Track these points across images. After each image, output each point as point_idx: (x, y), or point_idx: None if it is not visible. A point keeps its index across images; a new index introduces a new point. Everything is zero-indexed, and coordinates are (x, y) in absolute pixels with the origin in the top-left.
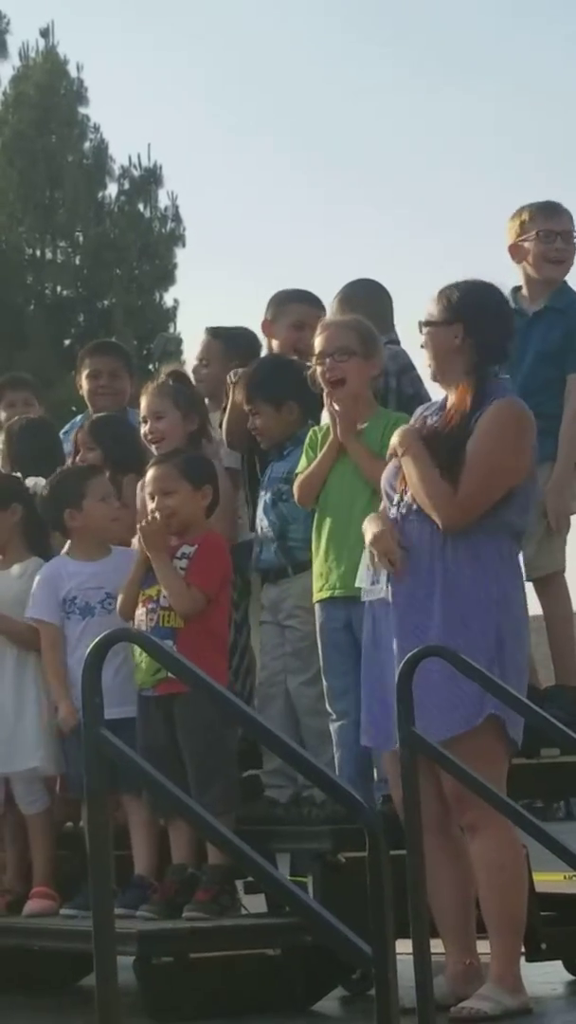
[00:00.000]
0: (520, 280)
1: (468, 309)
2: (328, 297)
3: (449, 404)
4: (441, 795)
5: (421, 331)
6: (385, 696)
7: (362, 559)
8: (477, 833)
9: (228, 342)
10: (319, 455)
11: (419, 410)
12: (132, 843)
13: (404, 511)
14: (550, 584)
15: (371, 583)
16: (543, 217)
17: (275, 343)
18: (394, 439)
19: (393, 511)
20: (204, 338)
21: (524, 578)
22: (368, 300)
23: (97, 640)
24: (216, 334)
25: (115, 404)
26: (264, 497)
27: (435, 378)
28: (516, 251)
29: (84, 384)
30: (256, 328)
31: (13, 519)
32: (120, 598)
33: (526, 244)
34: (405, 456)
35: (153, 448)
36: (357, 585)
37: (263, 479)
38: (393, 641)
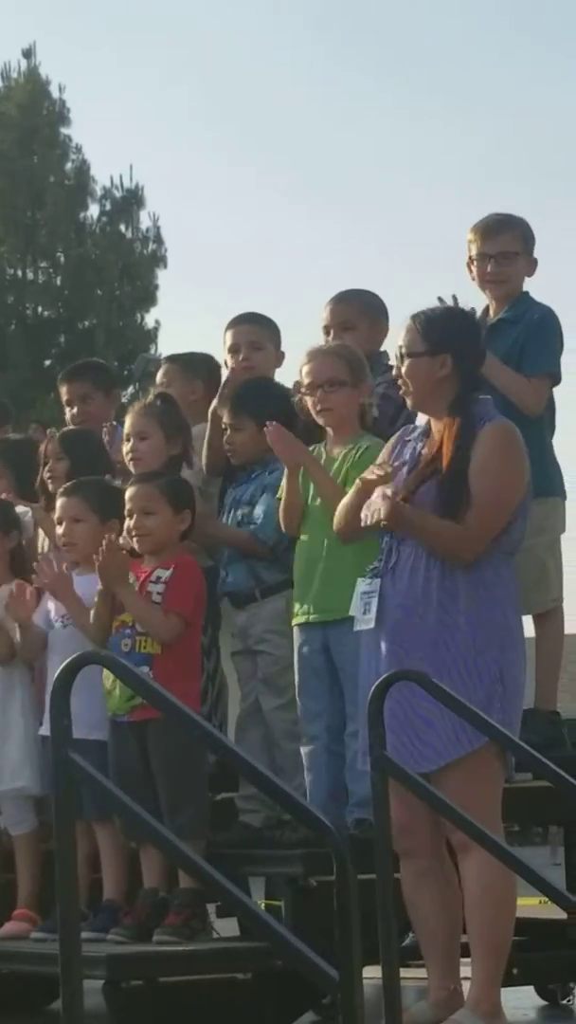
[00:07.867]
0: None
1: (454, 339)
2: (305, 317)
3: (436, 436)
4: (433, 818)
5: (402, 361)
6: (390, 721)
7: (355, 589)
8: (467, 852)
9: (186, 366)
10: (284, 483)
11: (398, 434)
12: (102, 867)
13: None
14: (549, 619)
15: (363, 613)
16: (480, 239)
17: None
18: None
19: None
20: (163, 366)
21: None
22: (377, 310)
23: (66, 663)
24: (173, 359)
25: (97, 422)
26: (228, 519)
27: (415, 407)
28: (469, 269)
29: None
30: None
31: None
32: (92, 623)
33: (473, 265)
34: (401, 526)
35: (131, 467)
36: (351, 614)
37: (225, 500)
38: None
